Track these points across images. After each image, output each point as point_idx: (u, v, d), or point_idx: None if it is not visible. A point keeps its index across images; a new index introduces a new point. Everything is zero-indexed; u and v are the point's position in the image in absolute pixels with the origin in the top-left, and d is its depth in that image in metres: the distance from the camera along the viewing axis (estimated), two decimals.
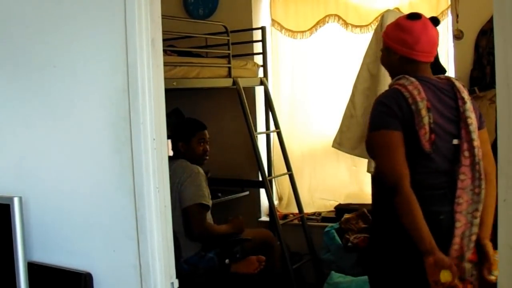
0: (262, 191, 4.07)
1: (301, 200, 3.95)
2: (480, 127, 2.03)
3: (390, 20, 2.90)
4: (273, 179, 4.10)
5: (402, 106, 1.95)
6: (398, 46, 2.06)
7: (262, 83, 3.94)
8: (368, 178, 3.47)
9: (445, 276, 1.84)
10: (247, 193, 4.08)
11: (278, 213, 3.94)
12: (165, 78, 1.79)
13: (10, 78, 1.96)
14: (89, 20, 1.76)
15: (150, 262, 1.70)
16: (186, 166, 3.01)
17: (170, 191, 1.79)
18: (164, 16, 1.79)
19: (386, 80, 2.85)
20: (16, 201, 1.70)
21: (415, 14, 2.10)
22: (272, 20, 4.16)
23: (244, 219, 3.95)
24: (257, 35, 4.04)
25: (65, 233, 1.87)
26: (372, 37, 3.03)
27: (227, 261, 2.98)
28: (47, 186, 1.90)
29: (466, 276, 1.95)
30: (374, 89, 2.91)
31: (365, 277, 3.16)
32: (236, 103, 3.72)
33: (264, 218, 4.23)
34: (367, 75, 3.01)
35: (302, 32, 4.04)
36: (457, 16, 3.32)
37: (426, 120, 1.92)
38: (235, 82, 3.65)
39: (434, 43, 2.09)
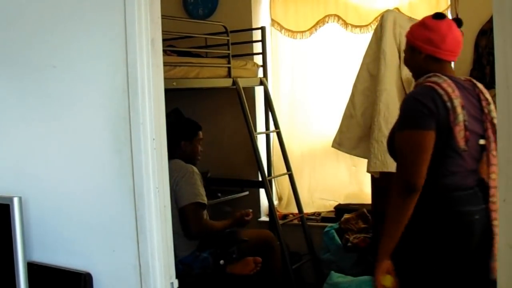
0: (262, 191, 4.07)
1: (300, 200, 3.95)
2: None
3: (390, 20, 2.90)
4: (272, 179, 4.10)
5: (437, 104, 1.94)
6: (424, 45, 2.06)
7: (262, 83, 3.94)
8: (367, 178, 3.47)
9: (387, 279, 2.03)
10: (246, 193, 4.08)
11: (277, 213, 3.94)
12: (165, 78, 1.79)
13: (10, 78, 1.96)
14: (89, 20, 1.76)
15: (149, 262, 1.70)
16: (181, 166, 3.01)
17: None
18: (164, 16, 1.79)
19: (385, 80, 2.85)
20: (16, 201, 1.69)
21: (440, 14, 2.11)
22: (272, 20, 4.16)
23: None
24: (257, 35, 4.04)
25: (65, 233, 1.87)
26: (372, 37, 3.02)
27: (221, 261, 2.98)
28: (47, 186, 1.90)
29: None
30: (374, 89, 2.91)
31: (365, 277, 3.16)
32: (236, 103, 3.72)
33: (264, 218, 4.24)
34: (366, 75, 3.01)
35: (302, 32, 4.04)
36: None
37: (461, 117, 1.92)
38: (234, 82, 3.65)
39: (459, 43, 2.09)
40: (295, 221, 3.97)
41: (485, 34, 3.27)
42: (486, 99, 2.02)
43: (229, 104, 4.07)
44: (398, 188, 2.00)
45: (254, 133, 3.72)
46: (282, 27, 4.10)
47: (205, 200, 3.04)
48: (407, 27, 2.93)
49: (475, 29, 3.32)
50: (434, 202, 2.02)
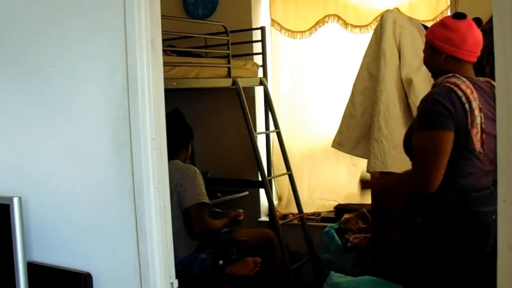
0: (262, 191, 4.07)
1: (300, 200, 3.95)
2: None
3: (389, 20, 2.90)
4: (272, 179, 4.10)
5: (456, 105, 1.94)
6: (445, 45, 2.06)
7: (261, 83, 3.94)
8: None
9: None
10: (246, 193, 4.08)
11: (277, 213, 3.94)
12: (165, 78, 1.79)
13: (10, 78, 1.96)
14: (88, 20, 1.76)
15: (149, 262, 1.70)
16: (182, 167, 3.01)
17: None
18: (163, 16, 1.79)
19: (385, 80, 2.85)
20: (15, 201, 1.69)
21: (460, 14, 2.11)
22: (272, 20, 4.16)
23: (244, 219, 3.95)
24: (257, 35, 4.04)
25: (65, 233, 1.87)
26: (372, 37, 3.02)
27: (221, 262, 2.98)
28: (47, 186, 1.90)
29: None
30: (374, 89, 2.91)
31: (365, 277, 3.16)
32: (236, 103, 3.72)
33: (264, 218, 4.23)
34: (366, 75, 3.01)
35: (302, 32, 4.04)
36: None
37: (478, 120, 1.92)
38: (234, 82, 3.64)
39: (479, 43, 2.09)
40: (295, 221, 3.97)
41: (485, 34, 3.26)
42: None
43: (229, 104, 4.07)
44: (412, 187, 2.04)
45: (254, 133, 3.72)
46: (282, 27, 4.10)
47: (207, 199, 3.05)
48: (407, 27, 2.94)
49: None
50: (450, 202, 2.02)
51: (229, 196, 3.94)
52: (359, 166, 3.75)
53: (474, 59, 2.09)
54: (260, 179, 3.83)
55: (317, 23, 3.97)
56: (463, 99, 1.93)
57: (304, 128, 4.13)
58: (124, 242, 1.74)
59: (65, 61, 1.82)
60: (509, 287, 1.13)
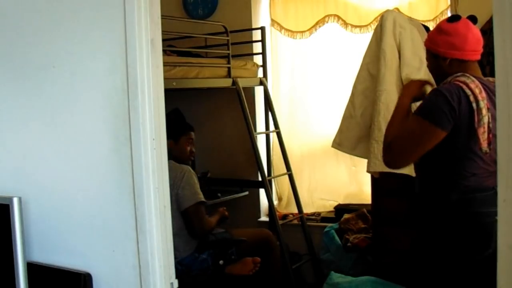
0: (262, 191, 4.07)
1: (300, 200, 3.95)
2: None
3: (389, 20, 2.90)
4: (272, 179, 4.10)
5: (462, 103, 1.94)
6: (448, 50, 2.06)
7: (261, 83, 3.94)
8: (367, 178, 3.47)
9: None
10: (246, 193, 4.08)
11: (277, 213, 3.94)
12: (165, 78, 1.79)
13: (10, 78, 1.96)
14: (88, 20, 1.76)
15: (149, 262, 1.69)
16: (176, 167, 3.00)
17: None
18: (163, 16, 1.79)
19: (385, 80, 2.84)
20: (15, 201, 1.69)
21: (454, 16, 2.12)
22: (272, 20, 4.16)
23: (244, 219, 3.97)
24: (257, 35, 4.04)
25: (65, 233, 1.87)
26: (372, 37, 3.02)
27: (221, 262, 2.99)
28: (47, 186, 1.90)
29: None
30: (374, 89, 2.90)
31: (365, 277, 3.16)
32: (236, 103, 3.72)
33: (264, 218, 4.24)
34: (366, 75, 3.00)
35: (302, 32, 4.04)
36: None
37: (486, 119, 1.92)
38: (234, 82, 3.65)
39: (480, 40, 2.09)
40: (295, 221, 3.97)
41: (485, 34, 3.25)
42: None
43: (229, 104, 4.07)
44: (384, 152, 2.12)
45: (254, 133, 3.72)
46: (282, 27, 4.10)
47: (203, 198, 3.05)
48: (407, 27, 2.94)
49: None
50: (453, 203, 2.02)
51: (229, 196, 3.94)
52: (359, 166, 3.76)
53: (478, 57, 2.09)
54: (260, 179, 3.83)
55: (317, 23, 3.97)
56: (471, 98, 1.93)
57: (304, 128, 4.13)
58: (124, 242, 1.74)
59: (65, 61, 1.82)
60: (509, 287, 1.13)
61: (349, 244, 3.54)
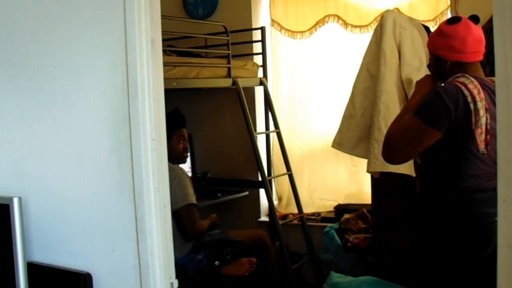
0: (262, 191, 4.07)
1: (300, 200, 3.94)
2: None
3: (389, 20, 2.90)
4: (272, 179, 4.10)
5: (459, 104, 1.95)
6: (447, 53, 2.07)
7: (261, 83, 3.94)
8: (367, 178, 3.47)
9: None
10: (246, 193, 4.08)
11: (277, 213, 3.94)
12: (165, 78, 1.79)
13: (10, 78, 1.96)
14: (88, 20, 1.76)
15: (149, 262, 1.69)
16: (170, 168, 2.97)
17: None
18: (163, 16, 1.79)
19: (385, 80, 2.85)
20: (15, 201, 1.69)
21: (455, 17, 2.12)
22: (272, 20, 4.16)
23: (244, 219, 3.96)
24: (257, 35, 4.04)
25: (65, 233, 1.87)
26: (372, 37, 3.02)
27: (216, 263, 2.97)
28: (47, 186, 1.90)
29: None
30: (374, 89, 2.91)
31: (365, 277, 3.16)
32: (236, 103, 3.72)
33: (264, 218, 4.23)
34: (366, 75, 3.00)
35: (302, 32, 4.04)
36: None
37: (483, 120, 1.92)
38: (234, 82, 3.64)
39: (481, 41, 2.09)
40: (295, 221, 3.97)
41: (485, 34, 3.26)
42: None
43: (229, 104, 4.07)
44: (383, 147, 2.13)
45: (254, 133, 3.72)
46: (282, 27, 4.10)
47: (195, 200, 3.04)
48: (407, 27, 2.94)
49: None
50: (453, 203, 2.03)
51: (229, 196, 3.94)
52: (359, 166, 3.75)
53: (480, 57, 2.09)
54: (260, 179, 3.83)
55: (317, 23, 3.97)
56: (469, 98, 1.94)
57: (304, 128, 4.13)
58: (124, 242, 1.74)
59: (65, 61, 1.82)
60: (509, 287, 1.13)
61: (349, 244, 3.54)
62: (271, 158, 4.17)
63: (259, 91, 4.11)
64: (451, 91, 1.97)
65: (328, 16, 3.93)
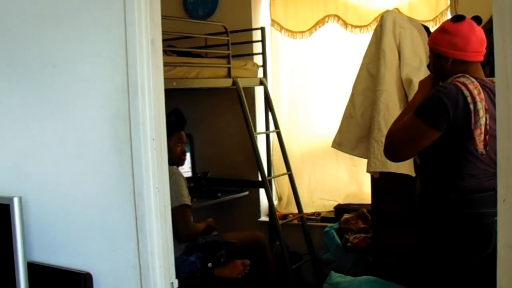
0: (262, 191, 4.07)
1: (300, 200, 3.94)
2: None
3: (389, 20, 2.90)
4: (272, 179, 4.10)
5: (459, 105, 1.95)
6: (450, 50, 2.06)
7: (261, 83, 3.94)
8: (367, 178, 3.47)
9: None
10: (246, 193, 4.08)
11: (277, 213, 3.94)
12: (165, 78, 1.79)
13: (10, 78, 1.96)
14: (88, 20, 1.76)
15: (149, 262, 1.70)
16: None
17: None
18: (163, 16, 1.79)
19: (385, 80, 2.85)
20: (16, 201, 1.69)
21: (458, 16, 2.11)
22: (272, 20, 4.16)
23: (244, 219, 3.95)
24: (257, 35, 4.04)
25: (65, 233, 1.87)
26: (372, 38, 3.02)
27: (209, 264, 2.95)
28: (47, 186, 1.90)
29: None
30: (374, 89, 2.91)
31: (365, 277, 3.16)
32: (236, 103, 3.72)
33: (264, 218, 4.23)
34: (366, 75, 3.01)
35: (302, 32, 4.04)
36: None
37: (483, 121, 1.92)
38: (234, 82, 3.65)
39: (483, 41, 2.09)
40: (295, 221, 3.97)
41: (485, 34, 3.26)
42: None
43: (229, 104, 4.07)
44: (385, 146, 2.15)
45: (254, 133, 3.72)
46: (282, 27, 4.10)
47: (189, 201, 3.03)
48: (406, 27, 2.94)
49: None
50: (452, 203, 2.03)
51: (229, 196, 3.94)
52: (359, 166, 3.76)
53: (481, 58, 2.09)
54: (260, 179, 3.83)
55: (317, 23, 3.97)
56: (469, 99, 1.94)
57: (304, 128, 4.13)
58: (124, 242, 1.74)
59: (65, 61, 1.82)
60: (509, 287, 1.13)
61: (349, 244, 3.54)
62: (271, 158, 4.17)
63: (259, 91, 4.11)
64: (451, 91, 1.97)
65: (328, 16, 3.93)
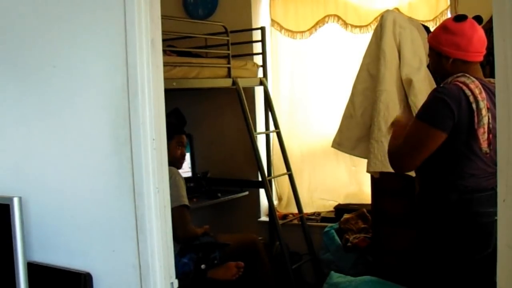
0: (262, 191, 4.07)
1: (300, 200, 3.95)
2: None
3: (389, 20, 2.90)
4: (272, 179, 4.10)
5: (462, 104, 1.94)
6: (452, 50, 2.06)
7: (261, 83, 3.94)
8: (367, 178, 3.47)
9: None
10: (246, 193, 4.08)
11: (277, 213, 3.94)
12: (165, 78, 1.79)
13: (10, 78, 1.96)
14: (89, 20, 1.76)
15: (149, 262, 1.69)
16: None
17: None
18: (163, 16, 1.79)
19: (385, 80, 2.85)
20: (15, 201, 1.69)
21: (461, 15, 2.10)
22: (272, 20, 4.16)
23: (244, 219, 3.94)
24: (257, 35, 4.04)
25: (65, 233, 1.87)
26: (372, 38, 3.02)
27: (203, 266, 2.94)
28: (47, 186, 1.90)
29: None
30: (374, 89, 2.91)
31: (365, 277, 3.16)
32: (236, 103, 3.72)
33: (264, 218, 4.23)
34: (366, 76, 3.01)
35: (302, 32, 4.04)
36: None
37: (486, 120, 1.92)
38: (234, 82, 3.65)
39: (484, 42, 2.09)
40: (295, 221, 3.97)
41: (485, 34, 3.26)
42: None
43: (229, 104, 4.07)
44: (390, 160, 2.13)
45: (254, 133, 3.72)
46: (282, 27, 4.10)
47: (188, 202, 3.02)
48: (407, 27, 2.94)
49: None
50: (453, 203, 2.03)
51: (229, 196, 3.94)
52: (359, 166, 3.75)
53: (481, 58, 2.09)
54: (260, 179, 3.83)
55: (317, 23, 3.97)
56: (471, 98, 1.93)
57: (304, 128, 4.13)
58: (124, 242, 1.74)
59: (65, 61, 1.82)
60: (509, 287, 1.13)
61: (349, 244, 3.55)
62: (271, 158, 4.17)
63: (259, 91, 4.11)
64: (452, 92, 1.97)
65: (328, 16, 3.93)
